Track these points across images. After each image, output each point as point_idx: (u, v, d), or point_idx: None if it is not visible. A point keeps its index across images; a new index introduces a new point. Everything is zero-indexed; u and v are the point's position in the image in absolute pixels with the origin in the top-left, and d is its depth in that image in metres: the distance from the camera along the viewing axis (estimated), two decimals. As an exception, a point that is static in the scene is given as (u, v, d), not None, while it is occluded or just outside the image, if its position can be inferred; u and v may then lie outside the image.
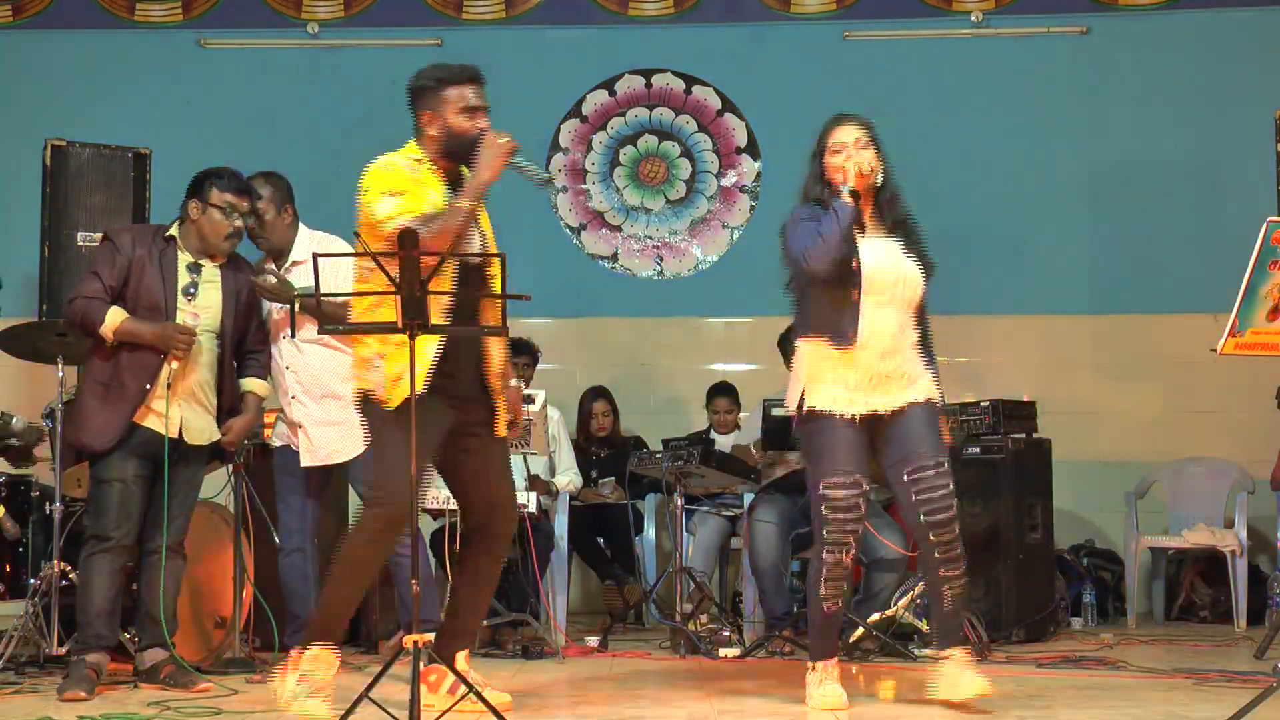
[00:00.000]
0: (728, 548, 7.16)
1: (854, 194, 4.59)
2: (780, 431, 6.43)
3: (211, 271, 5.27)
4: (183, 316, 5.16)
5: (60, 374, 5.63)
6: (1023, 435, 6.80)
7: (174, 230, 5.26)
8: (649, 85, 8.79)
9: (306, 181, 8.53)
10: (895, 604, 6.30)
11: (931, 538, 4.57)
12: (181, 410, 5.15)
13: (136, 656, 5.27)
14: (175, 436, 5.13)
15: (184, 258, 5.23)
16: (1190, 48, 8.52)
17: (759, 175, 8.73)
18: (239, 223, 5.25)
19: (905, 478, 4.60)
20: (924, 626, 6.18)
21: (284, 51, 8.77)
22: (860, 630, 6.17)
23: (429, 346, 4.38)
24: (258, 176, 5.59)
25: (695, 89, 8.78)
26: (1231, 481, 7.75)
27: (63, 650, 5.35)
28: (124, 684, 5.19)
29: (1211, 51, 8.50)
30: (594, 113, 8.79)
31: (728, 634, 6.35)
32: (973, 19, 8.68)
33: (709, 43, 8.80)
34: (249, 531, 5.83)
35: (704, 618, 6.51)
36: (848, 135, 4.70)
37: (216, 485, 6.00)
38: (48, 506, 5.68)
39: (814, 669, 4.73)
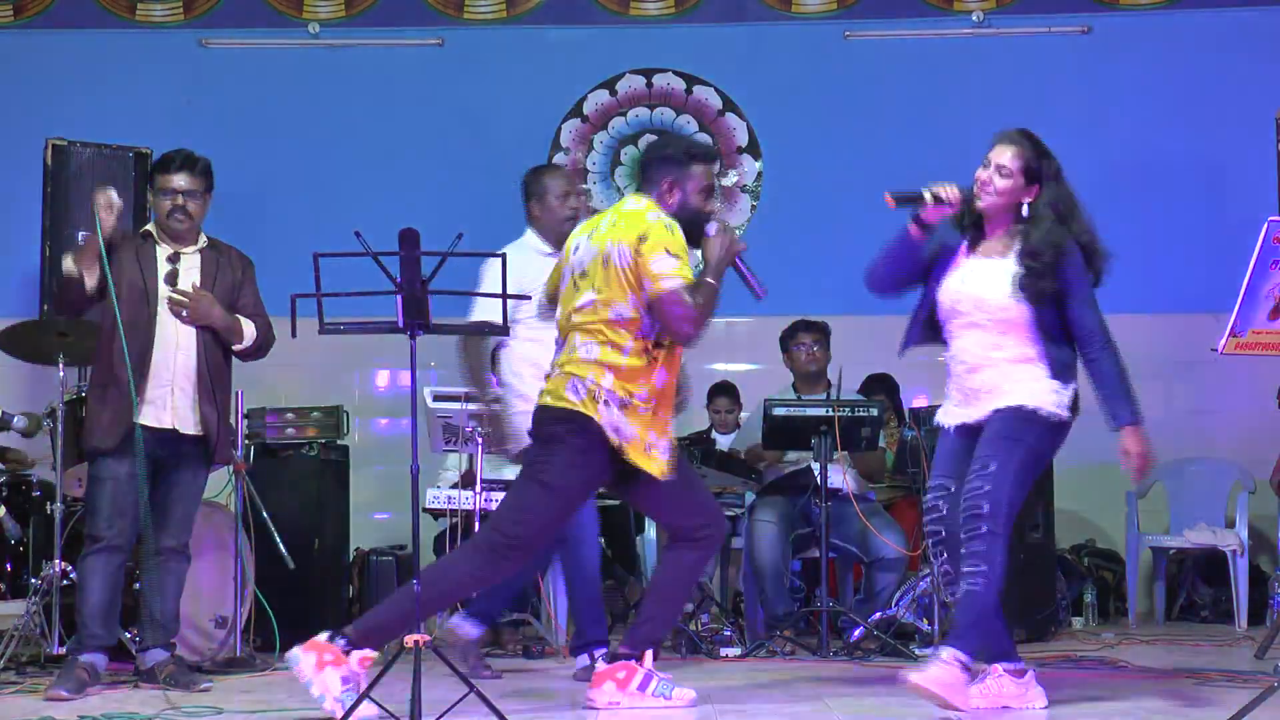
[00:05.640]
0: (728, 548, 7.15)
1: (921, 224, 4.63)
2: (781, 431, 6.43)
3: (191, 259, 5.30)
4: (164, 303, 5.17)
5: (60, 374, 5.63)
6: (1023, 435, 6.79)
7: (149, 226, 5.34)
8: (650, 85, 8.79)
9: (307, 181, 8.61)
10: (896, 604, 6.30)
11: (962, 533, 4.52)
12: (173, 399, 5.15)
13: (137, 656, 5.28)
14: (169, 427, 5.14)
15: (163, 250, 5.27)
16: (1191, 48, 8.52)
17: (760, 175, 8.73)
18: (179, 200, 5.26)
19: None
20: (924, 626, 6.19)
21: (284, 51, 8.76)
22: (860, 630, 6.18)
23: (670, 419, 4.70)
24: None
25: (696, 89, 8.78)
26: (1232, 481, 7.75)
27: (63, 650, 5.35)
28: (124, 684, 5.19)
29: (1212, 51, 8.49)
30: (595, 112, 8.79)
31: (728, 634, 6.35)
32: (973, 19, 8.68)
33: (710, 42, 8.80)
34: (249, 531, 5.84)
35: (705, 618, 6.51)
36: (998, 156, 4.64)
37: (217, 485, 6.01)
38: (48, 506, 5.68)
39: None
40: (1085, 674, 5.46)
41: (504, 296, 4.39)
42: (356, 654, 4.32)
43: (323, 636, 4.35)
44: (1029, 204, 4.62)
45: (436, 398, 6.27)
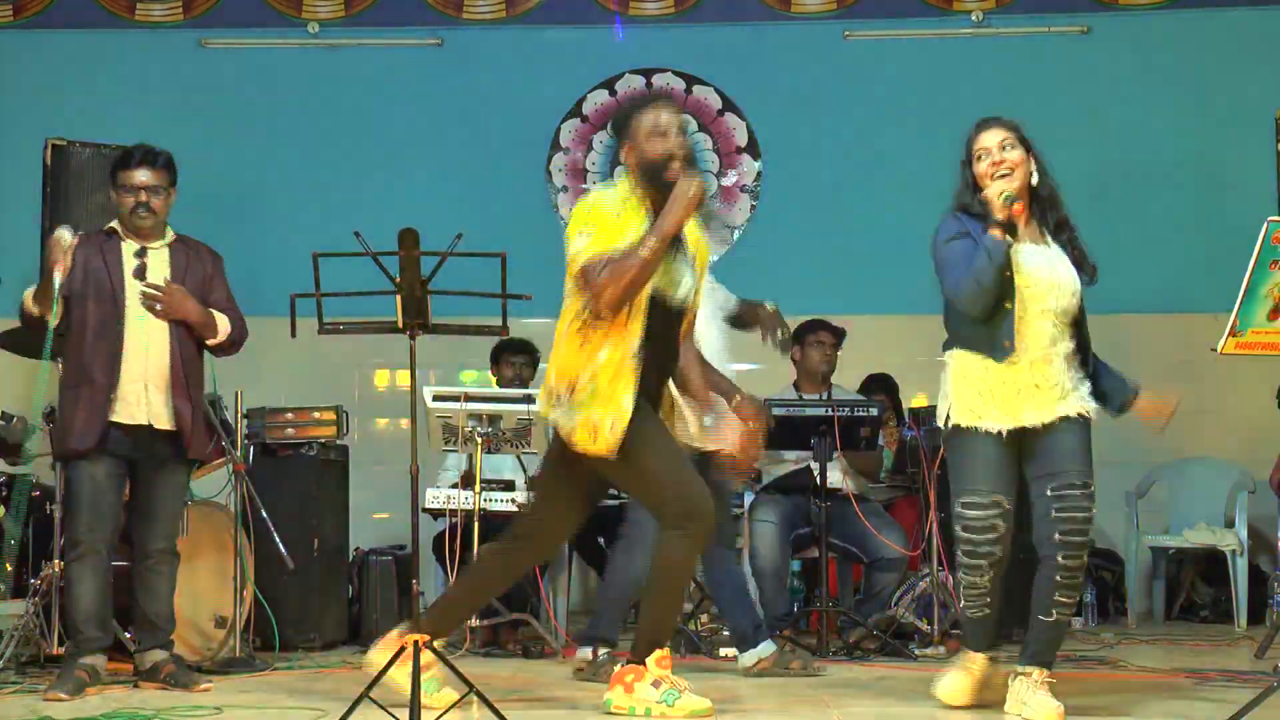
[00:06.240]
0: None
1: (1004, 224, 4.34)
2: (781, 432, 6.42)
3: (159, 254, 5.23)
4: (132, 299, 5.11)
5: (60, 374, 5.62)
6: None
7: (114, 223, 5.26)
8: (649, 85, 8.79)
9: (307, 181, 8.61)
10: (895, 604, 6.30)
11: (1061, 558, 4.37)
12: (147, 395, 5.10)
13: (136, 657, 5.27)
14: (144, 424, 5.09)
15: (130, 246, 5.21)
16: (1190, 48, 8.52)
17: (759, 175, 8.73)
18: (143, 196, 5.17)
19: (1049, 492, 4.40)
20: (924, 626, 6.18)
21: (284, 51, 8.77)
22: (860, 630, 6.18)
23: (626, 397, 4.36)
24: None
25: (696, 89, 8.78)
26: (1231, 481, 7.75)
27: (62, 650, 5.34)
28: (124, 684, 5.19)
29: (1211, 51, 8.49)
30: (594, 112, 8.79)
31: (728, 634, 6.34)
32: (973, 19, 8.68)
33: (709, 42, 8.80)
34: (249, 531, 5.84)
35: (704, 618, 6.51)
36: (991, 139, 4.50)
37: (217, 485, 6.01)
38: (47, 506, 5.68)
39: (960, 655, 4.60)
40: (1085, 674, 5.46)
41: (504, 296, 4.39)
42: (650, 659, 4.42)
43: (617, 668, 4.51)
44: (1035, 172, 4.54)
45: (436, 398, 6.28)
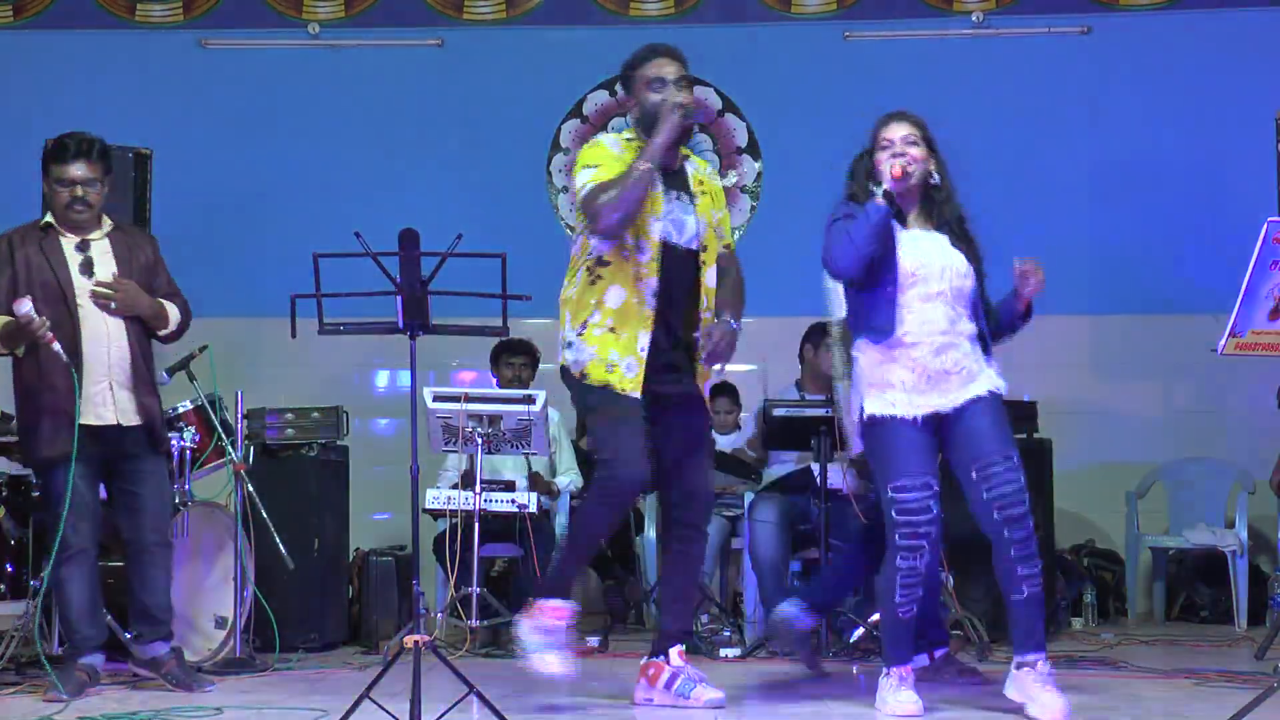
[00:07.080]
0: (728, 548, 7.15)
1: (888, 194, 4.48)
2: (780, 432, 6.42)
3: (101, 244, 5.15)
4: (84, 296, 5.02)
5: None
6: (1023, 435, 6.78)
7: (49, 217, 5.16)
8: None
9: (307, 181, 8.61)
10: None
11: (1007, 534, 4.41)
12: (113, 394, 5.05)
13: (137, 649, 5.24)
14: (112, 424, 5.04)
15: (68, 240, 5.12)
16: (1190, 48, 8.52)
17: (760, 175, 8.73)
18: (78, 191, 5.08)
19: (974, 476, 4.45)
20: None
21: (284, 51, 8.78)
22: (860, 630, 6.17)
23: (642, 337, 4.53)
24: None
25: (696, 89, 8.74)
26: (1232, 481, 7.75)
27: (62, 651, 5.34)
28: (124, 684, 5.19)
29: (1211, 51, 8.49)
30: (595, 113, 8.79)
31: (728, 634, 6.35)
32: (973, 19, 8.68)
33: (709, 43, 8.78)
34: (249, 531, 5.84)
35: (705, 618, 6.51)
36: (895, 132, 4.63)
37: (217, 485, 6.01)
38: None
39: (889, 674, 4.54)
40: (1085, 674, 5.46)
41: (504, 296, 4.40)
42: (546, 604, 4.57)
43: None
44: (936, 172, 4.64)
45: (436, 398, 6.28)
